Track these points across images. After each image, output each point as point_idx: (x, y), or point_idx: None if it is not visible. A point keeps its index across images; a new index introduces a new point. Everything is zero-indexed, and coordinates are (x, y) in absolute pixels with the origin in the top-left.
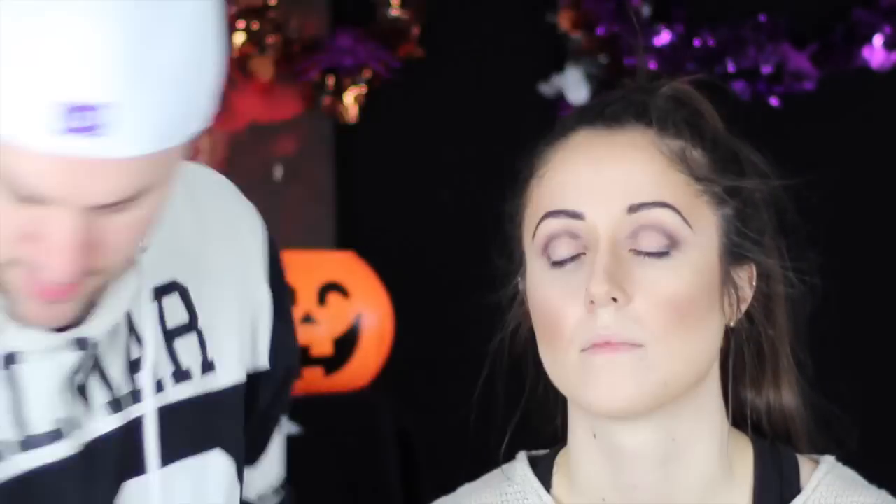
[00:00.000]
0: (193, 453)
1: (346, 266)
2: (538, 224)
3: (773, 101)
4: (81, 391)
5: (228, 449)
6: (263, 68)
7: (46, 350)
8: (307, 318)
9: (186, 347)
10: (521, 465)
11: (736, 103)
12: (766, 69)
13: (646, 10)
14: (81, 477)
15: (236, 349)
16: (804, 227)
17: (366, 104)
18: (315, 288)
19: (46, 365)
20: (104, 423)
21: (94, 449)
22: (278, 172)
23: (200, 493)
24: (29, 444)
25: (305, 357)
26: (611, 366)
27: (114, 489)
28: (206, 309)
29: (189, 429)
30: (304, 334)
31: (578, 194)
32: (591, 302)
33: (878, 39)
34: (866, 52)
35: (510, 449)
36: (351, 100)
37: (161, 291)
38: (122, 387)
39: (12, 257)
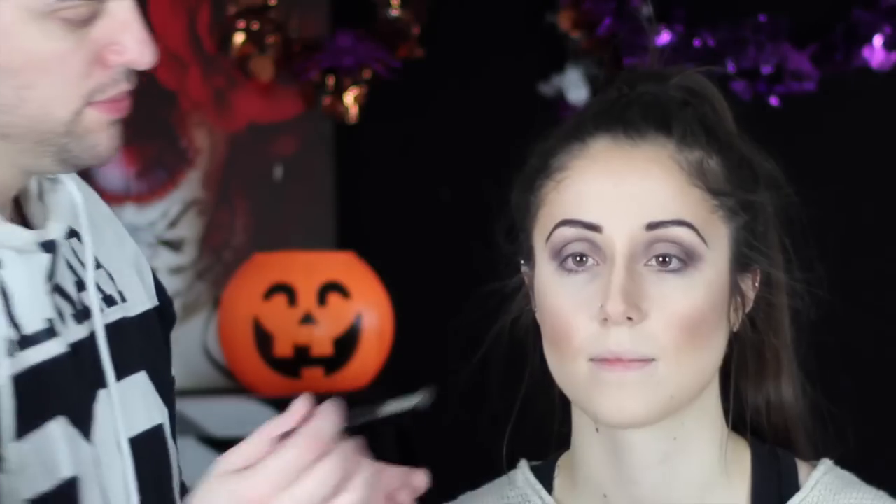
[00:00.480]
0: (134, 371)
1: (346, 266)
2: (554, 229)
3: (773, 101)
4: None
5: (151, 375)
6: (263, 68)
7: (22, 247)
8: (307, 318)
9: (102, 279)
10: (522, 471)
11: (736, 103)
12: (766, 69)
13: (646, 11)
14: (74, 373)
15: (136, 285)
16: (804, 227)
17: (366, 104)
18: (315, 288)
19: (25, 268)
20: (75, 330)
21: (74, 352)
22: (278, 172)
23: (147, 409)
24: (28, 341)
25: (305, 357)
26: (621, 382)
27: (91, 395)
28: (100, 252)
29: (130, 347)
30: (304, 334)
31: (597, 207)
32: (605, 319)
33: (878, 39)
34: (866, 52)
35: (510, 450)
36: (351, 100)
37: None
38: (78, 303)
39: (89, 91)
